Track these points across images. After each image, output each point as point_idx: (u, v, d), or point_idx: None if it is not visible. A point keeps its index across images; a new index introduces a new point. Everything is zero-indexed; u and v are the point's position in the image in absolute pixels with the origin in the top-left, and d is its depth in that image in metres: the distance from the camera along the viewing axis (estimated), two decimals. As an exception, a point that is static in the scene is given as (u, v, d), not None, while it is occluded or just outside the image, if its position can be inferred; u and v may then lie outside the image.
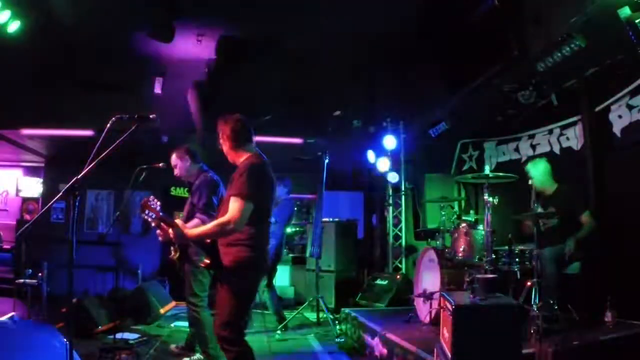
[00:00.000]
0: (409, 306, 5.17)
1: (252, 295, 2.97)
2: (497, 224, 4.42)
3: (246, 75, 5.57)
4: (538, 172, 4.65)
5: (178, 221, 2.93)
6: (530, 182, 4.34)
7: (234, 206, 2.79)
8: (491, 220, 4.28)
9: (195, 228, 3.02)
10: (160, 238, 3.44)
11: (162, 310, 6.29)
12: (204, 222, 3.95)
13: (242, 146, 3.07)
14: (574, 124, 5.51)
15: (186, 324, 4.76)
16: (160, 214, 2.84)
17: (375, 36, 5.04)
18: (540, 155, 5.51)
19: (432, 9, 4.70)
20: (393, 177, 7.43)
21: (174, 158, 4.52)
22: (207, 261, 2.88)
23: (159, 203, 2.86)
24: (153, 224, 2.95)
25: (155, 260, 8.55)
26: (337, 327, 5.68)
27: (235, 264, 2.83)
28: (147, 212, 2.82)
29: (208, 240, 2.88)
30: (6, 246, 9.05)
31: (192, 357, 4.51)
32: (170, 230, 2.89)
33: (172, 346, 4.71)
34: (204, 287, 4.21)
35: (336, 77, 5.94)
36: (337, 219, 8.03)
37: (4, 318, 4.49)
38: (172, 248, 4.60)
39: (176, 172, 4.54)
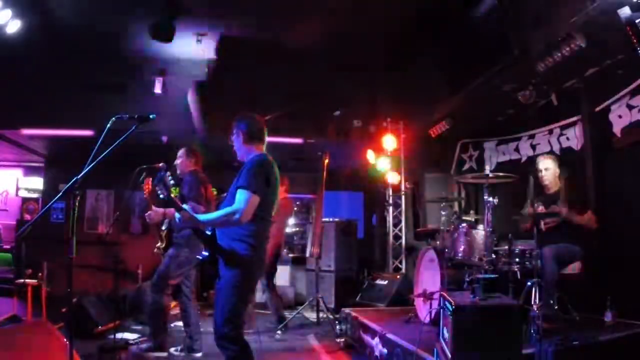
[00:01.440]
0: (409, 306, 5.17)
1: (250, 292, 2.97)
2: (497, 224, 4.42)
3: (246, 75, 5.58)
4: (551, 168, 4.62)
5: (185, 206, 2.96)
6: (540, 173, 4.36)
7: (241, 198, 2.79)
8: (491, 220, 4.28)
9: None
10: (148, 220, 3.54)
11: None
12: (194, 209, 4.11)
13: (254, 145, 3.09)
14: (574, 124, 5.50)
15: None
16: (172, 195, 2.87)
17: (375, 36, 5.04)
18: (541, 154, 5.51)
19: (433, 9, 4.70)
20: (393, 177, 7.43)
21: (182, 152, 4.73)
22: (206, 254, 2.88)
23: (172, 182, 2.91)
24: (158, 197, 2.97)
25: (156, 260, 8.53)
26: (337, 327, 5.67)
27: (235, 260, 2.83)
28: (161, 187, 2.83)
29: (208, 233, 2.89)
30: (6, 246, 9.05)
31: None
32: (177, 214, 2.89)
33: (172, 349, 4.69)
34: (172, 278, 4.50)
35: (336, 77, 5.94)
36: (337, 219, 8.03)
37: (4, 318, 4.51)
38: (159, 242, 4.69)
39: (177, 162, 4.69)
